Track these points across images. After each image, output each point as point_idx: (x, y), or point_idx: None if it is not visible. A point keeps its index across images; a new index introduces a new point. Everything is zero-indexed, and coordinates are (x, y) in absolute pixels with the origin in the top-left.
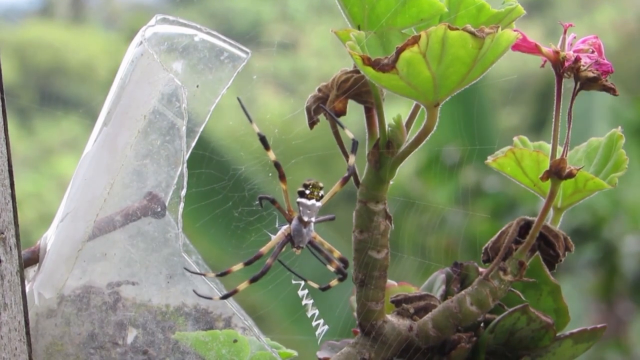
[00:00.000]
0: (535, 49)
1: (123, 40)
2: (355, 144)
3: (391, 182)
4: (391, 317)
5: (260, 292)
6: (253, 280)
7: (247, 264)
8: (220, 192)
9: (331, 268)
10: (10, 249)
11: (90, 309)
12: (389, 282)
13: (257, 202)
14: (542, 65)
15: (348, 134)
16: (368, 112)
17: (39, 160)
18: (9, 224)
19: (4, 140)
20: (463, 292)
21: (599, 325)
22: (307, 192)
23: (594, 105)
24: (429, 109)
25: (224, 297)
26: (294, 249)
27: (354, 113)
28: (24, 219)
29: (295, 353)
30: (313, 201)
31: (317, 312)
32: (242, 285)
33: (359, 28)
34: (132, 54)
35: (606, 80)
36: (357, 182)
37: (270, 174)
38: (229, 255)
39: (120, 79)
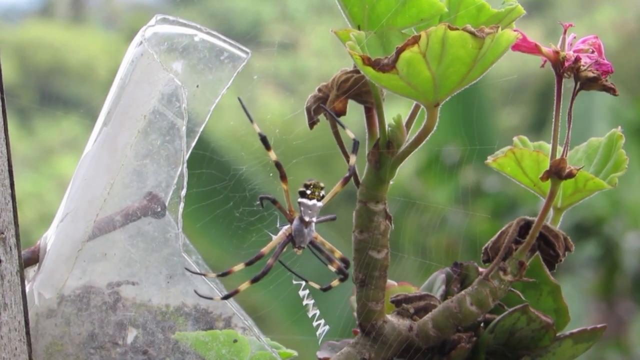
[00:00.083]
0: (535, 49)
1: (123, 40)
2: (356, 144)
3: (391, 182)
4: (391, 317)
5: (261, 292)
6: (254, 280)
7: (248, 264)
8: (221, 192)
9: (332, 268)
10: (10, 249)
11: (90, 309)
12: (389, 282)
13: (258, 202)
14: (542, 65)
15: (349, 134)
16: (368, 112)
17: (39, 160)
18: (9, 224)
19: (4, 140)
20: (463, 292)
21: (599, 325)
22: (308, 192)
23: (594, 105)
24: (429, 109)
25: (225, 297)
26: (295, 249)
27: (354, 113)
28: (24, 219)
29: (295, 353)
30: (314, 201)
31: (317, 312)
32: (244, 286)
33: (359, 28)
34: (132, 54)
35: (606, 80)
36: (357, 182)
37: (271, 174)
38: (230, 255)
39: (120, 79)
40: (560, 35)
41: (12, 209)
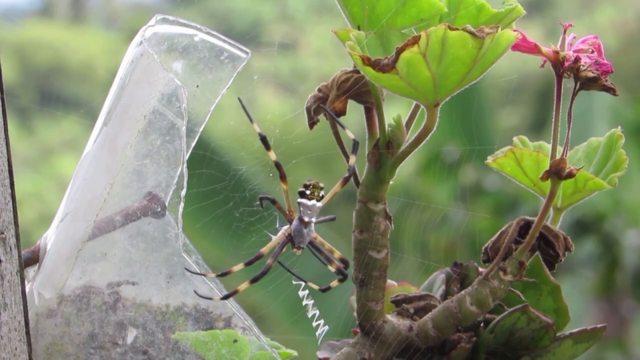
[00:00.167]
0: (535, 49)
1: (123, 40)
2: (355, 144)
3: (391, 182)
4: (391, 317)
5: (261, 292)
6: (254, 280)
7: (247, 264)
8: (221, 193)
9: (332, 268)
10: (10, 249)
11: (90, 309)
12: (389, 282)
13: (257, 203)
14: (542, 65)
15: (349, 134)
16: (368, 112)
17: (39, 160)
18: (9, 224)
19: (4, 140)
20: (463, 292)
21: (598, 325)
22: (308, 192)
23: (594, 105)
24: (429, 109)
25: (225, 297)
26: (295, 250)
27: (354, 113)
28: (24, 219)
29: (295, 353)
30: (313, 201)
31: (317, 312)
32: (243, 286)
33: (359, 28)
34: (132, 54)
35: (606, 80)
36: (357, 182)
37: (271, 174)
38: (230, 255)
39: (120, 79)
40: (560, 35)
41: (12, 209)
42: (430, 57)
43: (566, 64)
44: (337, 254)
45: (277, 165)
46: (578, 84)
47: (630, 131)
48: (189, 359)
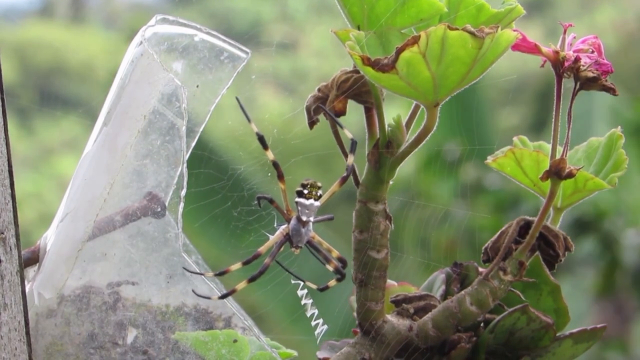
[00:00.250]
0: (535, 49)
1: (123, 40)
2: (354, 144)
3: (391, 182)
4: (391, 317)
5: (260, 291)
6: (251, 279)
7: (245, 263)
8: (219, 192)
9: (330, 268)
10: (10, 249)
11: (90, 309)
12: (389, 282)
13: (255, 202)
14: (542, 65)
15: (347, 134)
16: (368, 112)
17: (39, 160)
18: (9, 224)
19: (4, 140)
20: (463, 292)
21: (598, 325)
22: (306, 191)
23: (594, 105)
24: (429, 109)
25: (223, 296)
26: (293, 249)
27: (354, 113)
28: (24, 219)
29: (295, 353)
30: (311, 201)
31: (316, 311)
32: (241, 285)
33: (358, 28)
34: (132, 54)
35: (606, 80)
36: (356, 182)
37: (269, 174)
38: (228, 254)
39: (120, 79)
40: (560, 35)
41: (12, 209)
42: (430, 57)
43: (566, 64)
44: (335, 253)
45: (275, 164)
46: (578, 84)
47: (630, 131)
48: (189, 359)
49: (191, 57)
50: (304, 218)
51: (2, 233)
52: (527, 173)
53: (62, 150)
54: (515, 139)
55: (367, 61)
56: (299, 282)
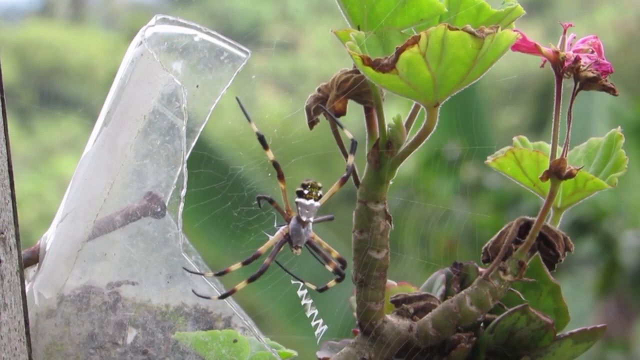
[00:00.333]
0: (535, 49)
1: (123, 40)
2: (354, 144)
3: (391, 182)
4: (391, 317)
5: (260, 292)
6: (251, 279)
7: (245, 263)
8: (220, 192)
9: (329, 268)
10: (10, 249)
11: (90, 309)
12: (389, 282)
13: (255, 202)
14: (542, 65)
15: (347, 134)
16: (368, 112)
17: (39, 160)
18: (9, 224)
19: (4, 140)
20: (463, 292)
21: (598, 325)
22: (306, 192)
23: (594, 105)
24: (429, 109)
25: (222, 296)
26: (293, 249)
27: (354, 113)
28: (24, 219)
29: (295, 353)
30: (311, 201)
31: (316, 311)
32: (240, 285)
33: (358, 28)
34: (132, 54)
35: (606, 80)
36: (356, 182)
37: (269, 174)
38: (228, 255)
39: (120, 79)
40: (560, 35)
41: (12, 209)
42: (430, 57)
43: (566, 64)
44: (335, 253)
45: (275, 164)
46: (578, 84)
47: (630, 131)
48: (189, 359)
49: (191, 57)
50: (304, 218)
51: (2, 233)
52: (527, 173)
53: (62, 150)
54: (515, 139)
55: (367, 61)
56: (299, 282)
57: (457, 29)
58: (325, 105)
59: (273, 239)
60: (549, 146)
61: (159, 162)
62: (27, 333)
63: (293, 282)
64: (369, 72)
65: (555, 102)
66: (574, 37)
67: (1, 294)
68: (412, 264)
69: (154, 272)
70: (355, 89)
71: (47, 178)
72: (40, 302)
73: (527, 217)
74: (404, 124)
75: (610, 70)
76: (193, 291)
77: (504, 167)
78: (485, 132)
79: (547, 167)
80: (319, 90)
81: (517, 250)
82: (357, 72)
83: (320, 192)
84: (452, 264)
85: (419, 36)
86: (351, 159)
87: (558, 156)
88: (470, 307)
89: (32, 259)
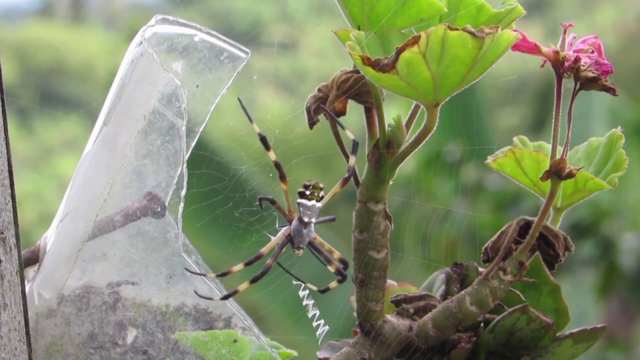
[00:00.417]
0: (535, 49)
1: (123, 40)
2: (355, 145)
3: (391, 182)
4: (391, 317)
5: (261, 292)
6: (253, 280)
7: (247, 264)
8: (221, 193)
9: (331, 269)
10: (10, 249)
11: (90, 309)
12: (389, 282)
13: (257, 203)
14: (542, 65)
15: (349, 135)
16: (368, 112)
17: (39, 160)
18: (9, 224)
19: (4, 140)
20: (463, 292)
21: (598, 325)
22: (308, 192)
23: (592, 106)
24: (429, 109)
25: (224, 297)
26: (295, 250)
27: (354, 113)
28: (24, 219)
29: (295, 353)
30: (313, 202)
31: (317, 312)
32: (243, 286)
33: (358, 28)
34: (132, 54)
35: (606, 80)
36: (357, 182)
37: (270, 175)
38: (230, 255)
39: (120, 79)
40: (560, 35)
41: (12, 209)
42: (430, 57)
43: (566, 64)
44: (337, 254)
45: (277, 165)
46: (578, 84)
47: (629, 132)
48: (189, 359)
49: (191, 57)
50: (306, 219)
51: (2, 233)
52: (527, 173)
53: (62, 150)
54: (515, 139)
55: (367, 61)
56: (301, 282)
57: (457, 29)
58: (326, 106)
59: (275, 239)
60: (549, 146)
61: (159, 162)
62: (27, 333)
63: (294, 282)
64: (369, 72)
65: (555, 102)
66: (574, 37)
67: (1, 294)
68: (412, 264)
69: (154, 272)
70: (356, 89)
71: (47, 178)
72: (40, 302)
73: (527, 217)
74: (404, 124)
75: (611, 70)
76: (195, 292)
77: (504, 167)
78: (485, 132)
79: (547, 167)
80: (319, 90)
81: (517, 250)
82: (357, 72)
83: (321, 193)
84: (452, 264)
85: (419, 36)
86: (352, 160)
87: (558, 156)
88: (470, 307)
89: (32, 259)
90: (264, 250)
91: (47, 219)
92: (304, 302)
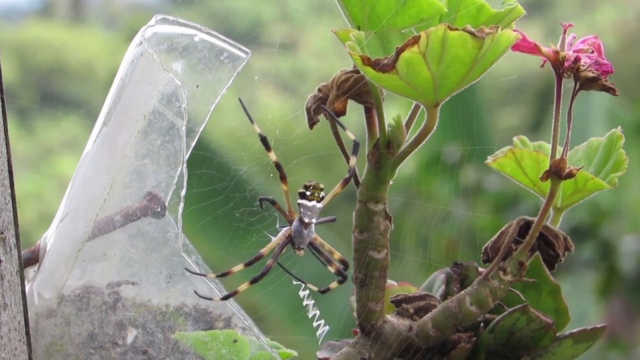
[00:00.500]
0: (535, 49)
1: (123, 40)
2: (356, 145)
3: (391, 182)
4: (391, 317)
5: (262, 292)
6: (253, 281)
7: (247, 264)
8: (222, 193)
9: (331, 270)
10: (10, 249)
11: (90, 309)
12: (389, 282)
13: (257, 204)
14: (542, 65)
15: (349, 135)
16: (368, 112)
17: (39, 160)
18: (9, 224)
19: (4, 140)
20: (463, 292)
21: (598, 325)
22: (308, 193)
23: (591, 106)
24: (429, 109)
25: (225, 297)
26: (295, 251)
27: (354, 113)
28: (24, 219)
29: (295, 353)
30: (314, 202)
31: (318, 312)
32: (243, 286)
33: (359, 28)
34: (132, 54)
35: (606, 80)
36: (357, 182)
37: (271, 175)
38: (230, 256)
39: (120, 79)
40: (560, 35)
41: (12, 209)
42: (430, 57)
43: (566, 64)
44: (337, 255)
45: (278, 165)
46: (578, 84)
47: (628, 132)
48: (189, 359)
49: (191, 57)
50: (306, 220)
51: (2, 233)
52: (527, 173)
53: (62, 150)
54: (515, 139)
55: (367, 61)
56: (301, 283)
57: (457, 29)
58: (326, 106)
59: (275, 240)
60: (549, 146)
61: (159, 162)
62: (27, 333)
63: (295, 282)
64: (369, 72)
65: (555, 102)
66: (574, 37)
67: (1, 294)
68: (412, 264)
69: (154, 272)
70: (356, 89)
71: (47, 178)
72: (40, 302)
73: (527, 217)
74: (404, 124)
75: (611, 70)
76: (195, 292)
77: (504, 167)
78: (485, 132)
79: (547, 167)
80: (319, 90)
81: (517, 250)
82: (357, 72)
83: (322, 194)
84: (452, 264)
85: (419, 36)
86: (353, 161)
87: (558, 156)
88: (470, 307)
89: (32, 259)
90: (265, 250)
91: (47, 219)
92: (304, 302)
